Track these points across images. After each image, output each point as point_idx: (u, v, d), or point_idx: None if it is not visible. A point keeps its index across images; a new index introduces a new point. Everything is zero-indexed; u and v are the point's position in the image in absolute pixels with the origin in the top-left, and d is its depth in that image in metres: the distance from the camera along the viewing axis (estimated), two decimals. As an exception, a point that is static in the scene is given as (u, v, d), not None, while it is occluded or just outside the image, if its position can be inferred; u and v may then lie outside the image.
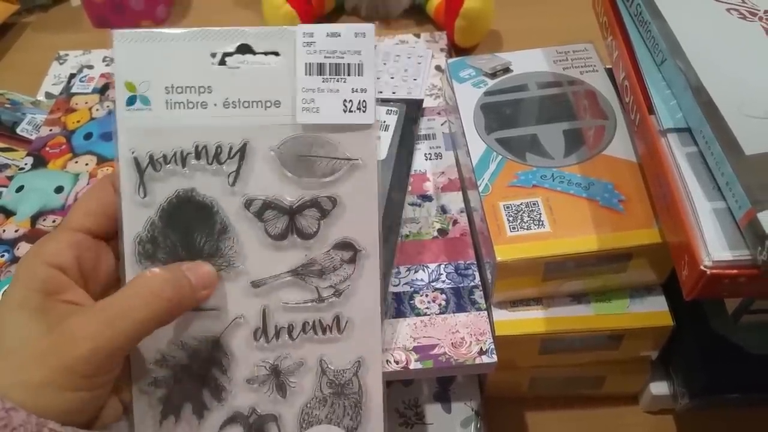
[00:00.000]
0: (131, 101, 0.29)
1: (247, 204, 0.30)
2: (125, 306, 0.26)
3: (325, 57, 0.29)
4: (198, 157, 0.30)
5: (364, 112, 0.29)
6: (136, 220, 0.30)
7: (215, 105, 0.29)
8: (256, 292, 0.30)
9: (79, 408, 0.26)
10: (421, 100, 0.50)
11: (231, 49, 0.29)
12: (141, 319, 0.26)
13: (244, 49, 0.29)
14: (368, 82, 0.29)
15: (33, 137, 0.52)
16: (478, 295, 0.38)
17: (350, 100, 0.29)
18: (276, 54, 0.29)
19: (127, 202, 0.29)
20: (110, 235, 0.30)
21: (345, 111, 0.29)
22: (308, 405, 0.31)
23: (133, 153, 0.29)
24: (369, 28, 0.29)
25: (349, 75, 0.29)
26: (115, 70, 0.29)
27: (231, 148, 0.30)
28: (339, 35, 0.29)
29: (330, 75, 0.29)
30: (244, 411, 0.31)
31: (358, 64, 0.29)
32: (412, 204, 0.42)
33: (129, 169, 0.29)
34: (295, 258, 0.30)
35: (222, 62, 0.29)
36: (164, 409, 0.30)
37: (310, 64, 0.29)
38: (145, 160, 0.29)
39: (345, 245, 0.30)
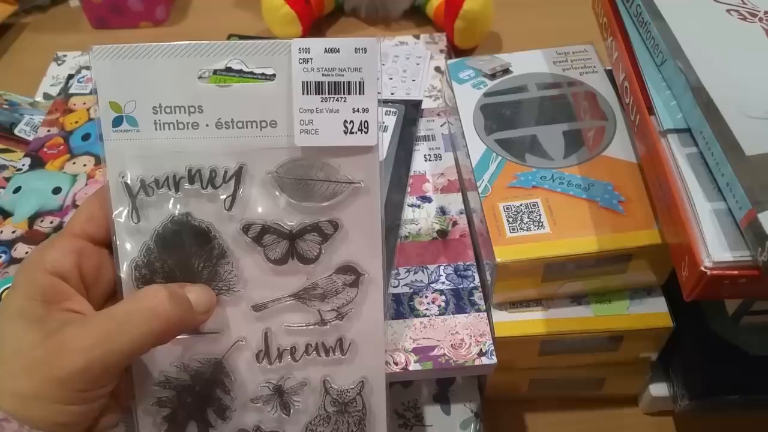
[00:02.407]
0: (117, 122, 0.28)
1: (245, 229, 0.29)
2: (124, 321, 0.25)
3: (323, 75, 0.27)
4: (192, 181, 0.29)
5: (365, 133, 0.28)
6: (130, 244, 0.29)
7: (207, 125, 0.28)
8: (257, 315, 0.30)
9: (73, 420, 0.25)
10: (420, 101, 0.50)
11: (220, 65, 0.28)
12: (139, 336, 0.25)
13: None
14: (370, 101, 0.28)
15: (31, 138, 0.52)
16: (478, 296, 0.38)
17: (351, 121, 0.28)
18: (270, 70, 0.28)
19: (120, 228, 0.29)
20: (112, 243, 0.29)
21: (346, 132, 0.28)
22: (312, 422, 0.31)
23: (123, 178, 0.28)
24: (370, 42, 0.27)
25: (349, 94, 0.27)
26: (98, 88, 0.28)
27: (226, 172, 0.29)
28: (338, 51, 0.27)
29: (329, 94, 0.27)
30: (248, 429, 0.31)
31: (359, 82, 0.27)
32: (412, 205, 0.42)
33: (120, 194, 0.28)
34: (296, 282, 0.30)
35: (211, 78, 0.28)
36: (169, 428, 0.30)
37: (307, 82, 0.27)
38: (136, 185, 0.28)
39: (347, 269, 0.30)
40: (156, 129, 0.28)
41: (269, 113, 0.28)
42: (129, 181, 0.29)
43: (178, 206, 0.29)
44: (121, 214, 0.29)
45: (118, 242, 0.29)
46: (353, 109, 0.28)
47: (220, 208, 0.29)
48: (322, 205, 0.29)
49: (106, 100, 0.28)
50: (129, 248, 0.29)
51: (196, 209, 0.29)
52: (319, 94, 0.28)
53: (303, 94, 0.28)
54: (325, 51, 0.27)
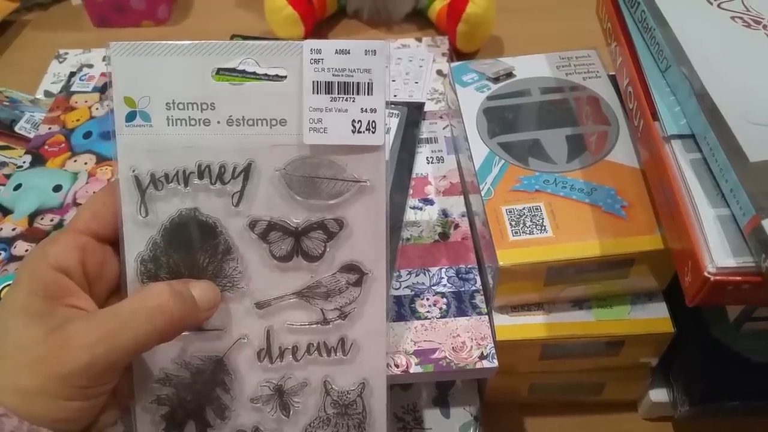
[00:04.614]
0: (131, 117, 0.28)
1: (252, 225, 0.29)
2: (128, 319, 0.25)
3: (333, 75, 0.28)
4: (201, 176, 0.29)
5: (373, 133, 0.28)
6: (137, 239, 0.29)
7: (218, 122, 0.28)
8: (260, 313, 0.30)
9: (74, 417, 0.25)
10: (423, 104, 0.50)
11: (234, 64, 0.28)
12: (143, 334, 0.25)
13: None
14: (378, 102, 0.28)
15: (31, 135, 0.52)
16: (479, 299, 0.38)
17: (359, 121, 0.28)
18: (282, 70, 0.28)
19: (128, 221, 0.29)
20: (116, 240, 0.29)
21: (354, 132, 0.28)
22: (312, 424, 0.31)
23: (133, 171, 0.29)
24: (380, 45, 0.28)
25: (358, 94, 0.28)
26: (113, 84, 0.28)
27: (235, 168, 0.29)
28: (348, 52, 0.28)
29: (338, 94, 0.28)
30: (247, 430, 0.31)
31: (368, 83, 0.28)
32: (414, 207, 0.42)
33: (129, 187, 0.29)
34: (300, 280, 0.30)
35: (225, 77, 0.28)
36: (167, 427, 0.30)
37: (317, 82, 0.28)
38: (146, 179, 0.29)
39: (351, 268, 0.30)
40: (168, 125, 0.28)
41: (279, 112, 0.28)
42: (139, 175, 0.29)
43: (187, 201, 0.29)
44: (130, 207, 0.29)
45: (125, 236, 0.29)
46: (361, 109, 0.28)
47: (227, 204, 0.29)
48: (328, 203, 0.29)
49: (121, 95, 0.28)
50: (136, 242, 0.29)
51: (204, 204, 0.29)
52: (328, 93, 0.28)
53: (313, 93, 0.28)
54: (336, 52, 0.28)
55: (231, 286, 0.30)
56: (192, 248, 0.29)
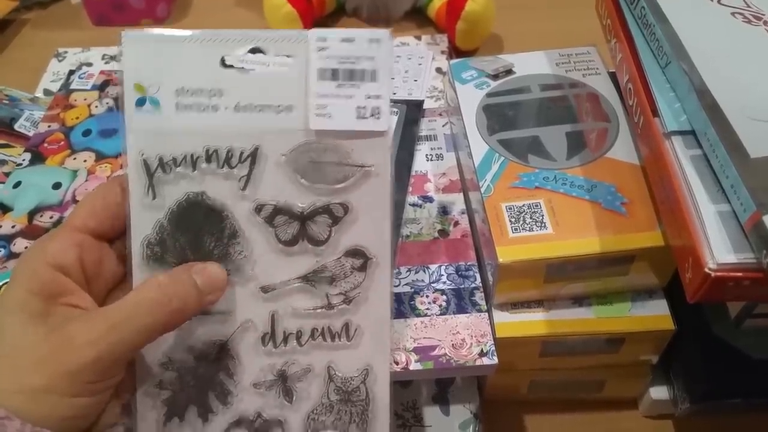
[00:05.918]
0: (140, 103, 0.29)
1: (258, 209, 0.30)
2: (130, 313, 0.25)
3: (338, 62, 0.28)
4: (209, 160, 0.29)
5: (378, 118, 0.29)
6: (144, 222, 0.29)
7: (226, 108, 0.29)
8: (265, 297, 0.30)
9: (80, 414, 0.25)
10: (422, 101, 0.50)
11: (242, 52, 0.29)
12: (145, 327, 0.25)
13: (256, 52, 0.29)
14: (382, 89, 0.29)
15: (31, 133, 0.52)
16: (479, 296, 0.38)
17: (364, 107, 0.29)
18: (289, 58, 0.29)
19: (136, 204, 0.29)
20: (113, 237, 0.29)
21: (358, 117, 0.29)
22: (315, 411, 0.31)
23: (142, 155, 0.29)
24: (384, 34, 0.29)
25: (363, 81, 0.29)
26: (124, 71, 0.29)
27: (242, 153, 0.29)
28: (353, 41, 0.28)
29: (343, 81, 0.29)
30: (249, 415, 0.31)
31: (372, 71, 0.29)
32: (413, 205, 0.42)
33: (138, 171, 0.29)
34: (305, 264, 0.30)
35: (232, 65, 0.29)
36: (168, 411, 0.30)
37: (323, 69, 0.29)
38: (154, 162, 0.29)
39: (356, 253, 0.30)
40: (177, 110, 0.29)
41: (286, 98, 0.29)
42: (147, 159, 0.29)
43: (194, 185, 0.29)
44: (138, 191, 0.29)
45: (132, 219, 0.29)
46: (366, 95, 0.29)
47: (234, 188, 0.29)
48: (333, 188, 0.30)
49: (132, 82, 0.29)
50: (143, 225, 0.29)
51: (211, 188, 0.29)
52: (334, 80, 0.29)
53: (319, 80, 0.29)
54: (341, 40, 0.28)
55: (237, 271, 0.30)
56: (198, 232, 0.29)
